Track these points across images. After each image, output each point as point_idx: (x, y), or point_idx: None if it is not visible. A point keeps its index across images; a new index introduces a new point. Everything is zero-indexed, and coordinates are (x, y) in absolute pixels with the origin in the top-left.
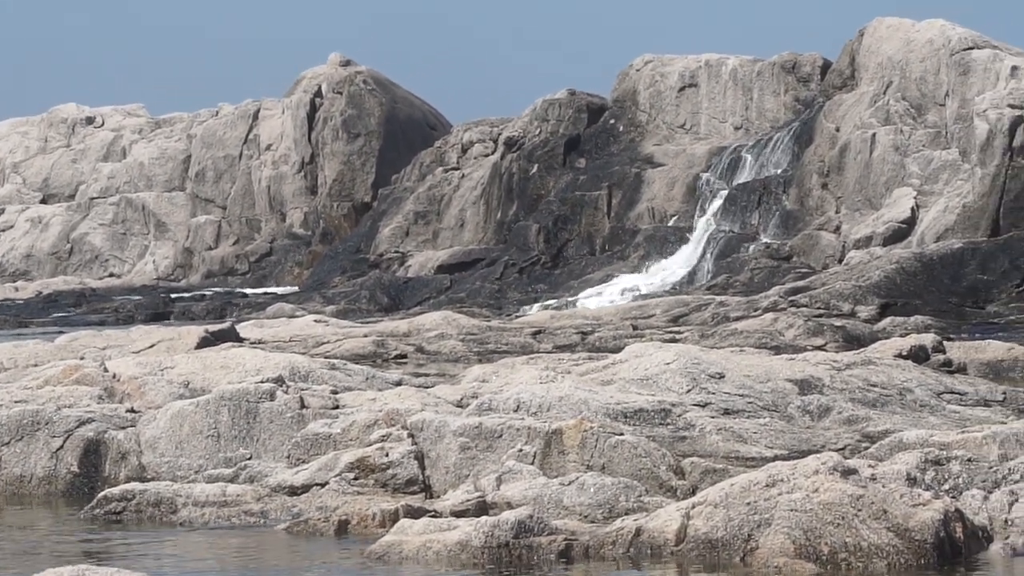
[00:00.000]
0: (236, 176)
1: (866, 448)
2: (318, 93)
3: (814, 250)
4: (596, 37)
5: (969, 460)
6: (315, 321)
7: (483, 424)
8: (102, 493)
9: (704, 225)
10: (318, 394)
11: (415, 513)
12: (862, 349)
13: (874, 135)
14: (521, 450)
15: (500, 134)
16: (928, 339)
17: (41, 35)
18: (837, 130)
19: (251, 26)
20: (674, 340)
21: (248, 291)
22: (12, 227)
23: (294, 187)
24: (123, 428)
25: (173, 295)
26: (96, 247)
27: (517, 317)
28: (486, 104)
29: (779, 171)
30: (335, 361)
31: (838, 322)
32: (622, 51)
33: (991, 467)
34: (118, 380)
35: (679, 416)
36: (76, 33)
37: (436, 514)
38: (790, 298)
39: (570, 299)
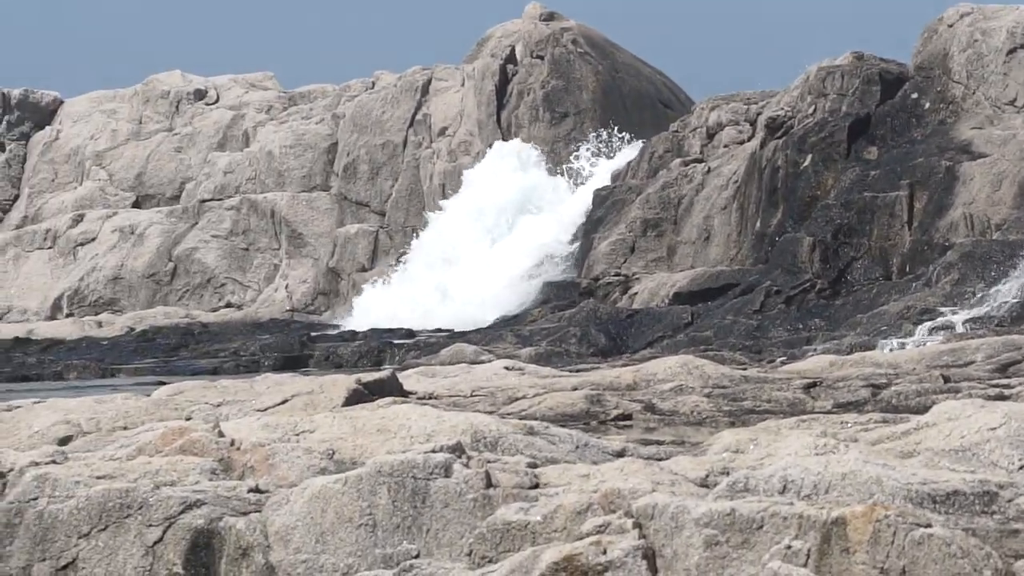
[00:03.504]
0: (399, 171)
1: None
2: (510, 58)
3: None
4: None
5: None
6: (506, 368)
7: (737, 511)
8: None
9: None
10: (511, 468)
11: None
12: None
13: None
14: (789, 547)
15: (759, 114)
16: None
17: None
18: None
19: None
20: (1002, 397)
21: (415, 328)
22: (94, 240)
23: None
24: (244, 514)
25: (313, 333)
26: (208, 267)
27: (783, 364)
28: (740, 73)
29: None
30: (534, 424)
31: None
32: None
33: None
34: (238, 448)
35: (1009, 502)
36: None
37: None
38: None
39: (856, 340)
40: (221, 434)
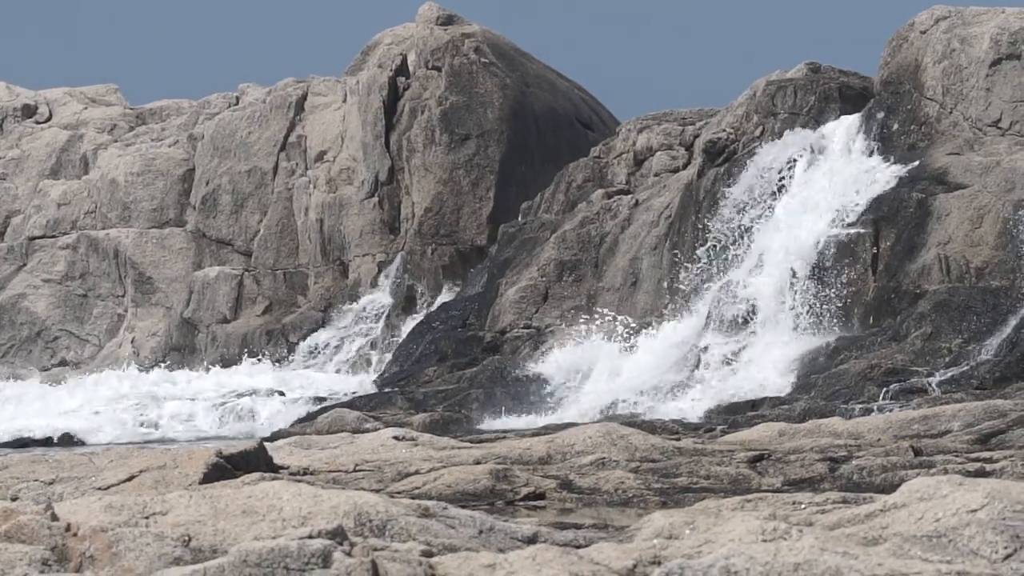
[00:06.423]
0: (268, 203)
1: None
2: (401, 68)
3: None
4: None
5: None
6: (396, 438)
7: None
8: None
9: None
10: (401, 557)
11: None
12: None
13: None
14: None
15: (696, 136)
16: None
17: None
18: None
19: None
20: (983, 473)
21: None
22: None
23: (363, 221)
24: None
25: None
26: (38, 318)
27: (724, 433)
28: (672, 89)
29: None
30: (429, 504)
31: None
32: (896, 3)
33: None
34: (75, 534)
35: None
36: None
37: None
38: None
39: (810, 405)
40: (54, 517)
